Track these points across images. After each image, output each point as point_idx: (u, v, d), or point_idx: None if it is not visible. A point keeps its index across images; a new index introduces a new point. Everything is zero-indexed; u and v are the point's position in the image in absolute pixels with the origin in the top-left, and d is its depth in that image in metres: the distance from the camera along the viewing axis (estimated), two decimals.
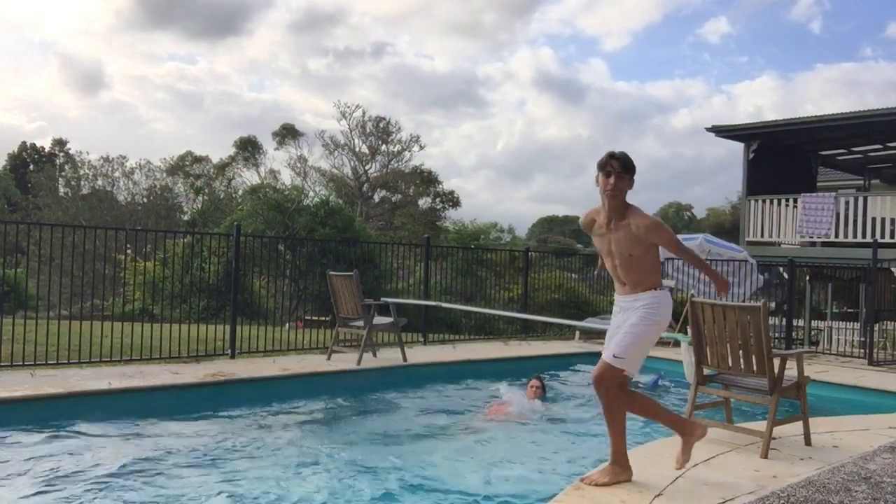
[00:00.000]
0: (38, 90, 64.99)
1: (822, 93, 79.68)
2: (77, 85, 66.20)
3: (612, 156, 3.75)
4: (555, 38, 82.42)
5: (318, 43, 63.91)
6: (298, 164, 37.52)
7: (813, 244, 14.22)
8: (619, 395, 3.83)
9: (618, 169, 3.72)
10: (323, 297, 11.07)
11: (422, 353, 8.97)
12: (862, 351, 10.64)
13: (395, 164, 37.47)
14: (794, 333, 11.32)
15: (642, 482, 3.86)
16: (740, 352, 4.70)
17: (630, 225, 3.74)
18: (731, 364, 4.77)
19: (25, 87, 64.43)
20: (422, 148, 38.30)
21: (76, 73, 65.41)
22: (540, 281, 14.55)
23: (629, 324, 3.77)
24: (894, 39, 79.57)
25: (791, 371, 4.86)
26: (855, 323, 12.75)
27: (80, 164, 39.41)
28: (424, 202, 38.76)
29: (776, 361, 4.72)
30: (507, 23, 72.67)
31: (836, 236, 13.54)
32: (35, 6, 61.26)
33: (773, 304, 12.20)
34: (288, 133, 38.24)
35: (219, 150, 54.90)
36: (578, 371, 8.92)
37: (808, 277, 14.36)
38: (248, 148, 38.84)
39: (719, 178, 79.67)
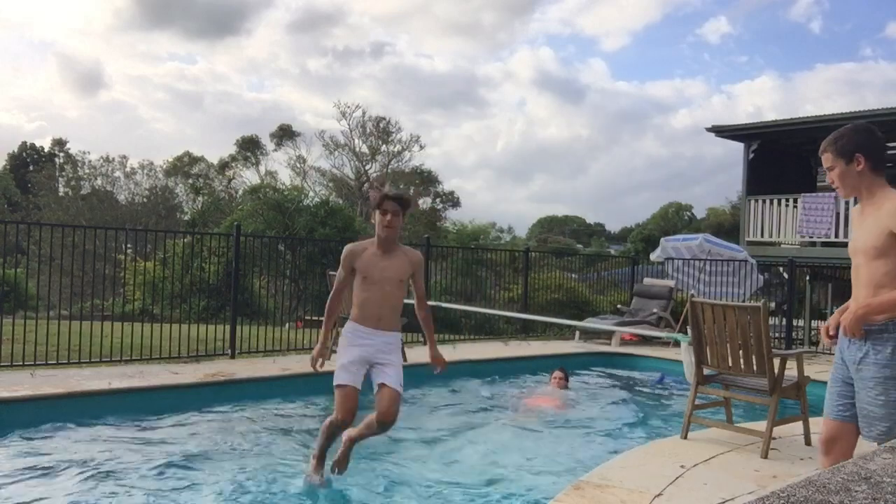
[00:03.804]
0: (37, 90, 65.09)
1: (822, 93, 79.86)
2: (76, 85, 66.34)
3: (387, 196, 4.01)
4: (554, 37, 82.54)
5: (317, 43, 64.07)
6: (298, 165, 37.57)
7: (813, 244, 14.22)
8: None
9: (394, 208, 3.99)
10: (323, 297, 11.06)
11: (422, 353, 8.92)
12: None
13: (396, 164, 37.50)
14: (794, 333, 11.32)
15: (642, 482, 3.86)
16: (740, 352, 4.71)
17: (405, 254, 4.14)
18: (731, 364, 4.77)
19: (25, 87, 64.54)
20: (422, 148, 38.34)
21: (75, 73, 65.54)
22: (540, 281, 14.55)
23: (397, 361, 4.12)
24: (894, 39, 79.66)
25: (791, 371, 4.86)
26: None
27: (80, 164, 39.44)
28: (424, 202, 38.79)
29: (776, 361, 4.72)
30: (506, 22, 72.90)
31: (836, 236, 13.53)
32: (34, 6, 61.31)
33: (773, 304, 12.19)
34: (285, 134, 38.25)
35: (219, 150, 55.03)
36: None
37: (808, 277, 14.35)
38: (250, 147, 38.86)
39: (719, 178, 79.80)
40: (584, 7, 80.00)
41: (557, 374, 7.70)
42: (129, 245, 15.33)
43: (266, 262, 12.96)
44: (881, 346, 2.79)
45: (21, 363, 6.88)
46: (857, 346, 2.86)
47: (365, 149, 37.21)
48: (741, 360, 4.71)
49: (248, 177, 38.22)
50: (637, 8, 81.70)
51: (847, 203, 13.57)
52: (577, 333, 11.43)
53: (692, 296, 5.23)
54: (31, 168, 44.61)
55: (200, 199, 36.39)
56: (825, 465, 2.92)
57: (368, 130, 37.02)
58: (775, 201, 14.51)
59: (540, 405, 7.00)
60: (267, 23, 62.02)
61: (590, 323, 10.68)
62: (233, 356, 8.21)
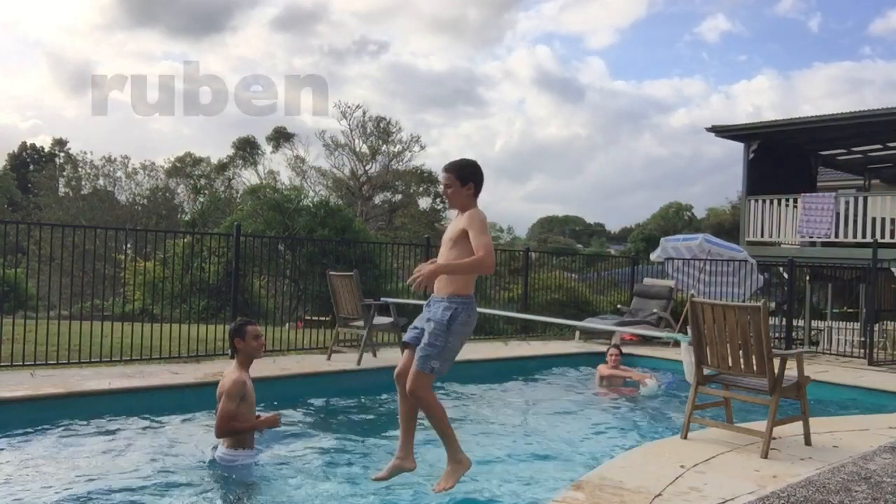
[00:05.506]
0: (30, 89, 65.13)
1: (822, 92, 79.94)
2: (69, 83, 66.20)
3: None
4: (553, 36, 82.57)
5: (315, 42, 63.90)
6: (298, 165, 37.54)
7: (813, 244, 14.22)
8: None
9: None
10: (323, 297, 11.07)
11: None
12: (862, 351, 10.63)
13: (396, 165, 37.45)
14: (794, 333, 11.32)
15: (643, 482, 3.86)
16: (740, 352, 4.71)
17: None
18: (731, 364, 4.77)
19: (18, 85, 64.52)
20: (422, 148, 38.29)
21: (68, 72, 65.45)
22: (540, 281, 14.55)
23: None
24: (894, 39, 79.76)
25: (791, 371, 4.86)
26: (855, 323, 12.75)
27: (80, 164, 39.44)
28: (425, 202, 38.78)
29: (776, 361, 4.72)
30: (506, 22, 72.84)
31: (836, 236, 13.54)
32: (23, 3, 61.13)
33: (773, 304, 12.19)
34: (280, 135, 38.18)
35: (217, 149, 55.10)
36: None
37: (807, 277, 14.36)
38: (247, 148, 38.80)
39: (719, 177, 79.81)
40: (583, 6, 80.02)
41: (613, 351, 8.26)
42: (129, 245, 15.33)
43: (266, 262, 12.96)
44: (438, 308, 3.85)
45: (21, 363, 6.88)
46: (432, 308, 3.90)
47: (365, 149, 37.17)
48: (741, 360, 4.71)
49: (247, 177, 38.20)
50: (637, 7, 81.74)
51: (847, 203, 13.58)
52: (577, 333, 11.42)
53: (692, 296, 5.23)
54: (31, 168, 44.67)
55: (201, 199, 36.37)
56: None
57: (369, 130, 36.98)
58: (775, 201, 14.51)
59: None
60: (260, 22, 61.90)
61: (590, 323, 10.67)
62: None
